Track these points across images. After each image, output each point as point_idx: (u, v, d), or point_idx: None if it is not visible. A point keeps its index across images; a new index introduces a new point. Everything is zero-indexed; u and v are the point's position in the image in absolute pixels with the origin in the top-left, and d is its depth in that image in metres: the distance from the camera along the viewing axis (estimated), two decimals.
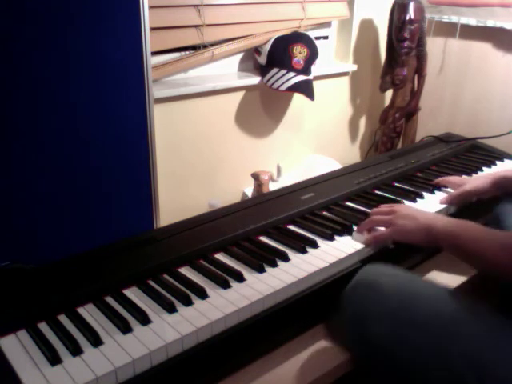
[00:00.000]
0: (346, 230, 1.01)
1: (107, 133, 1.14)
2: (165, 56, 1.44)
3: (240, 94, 1.60)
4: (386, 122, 1.85)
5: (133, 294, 0.82)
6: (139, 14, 1.09)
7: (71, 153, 1.10)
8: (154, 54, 1.36)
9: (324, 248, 0.96)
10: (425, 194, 1.20)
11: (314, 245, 0.96)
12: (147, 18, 1.11)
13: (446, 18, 1.84)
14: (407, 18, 1.65)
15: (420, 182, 1.28)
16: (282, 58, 1.54)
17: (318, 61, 1.67)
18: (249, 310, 0.79)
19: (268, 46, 1.54)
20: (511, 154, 1.52)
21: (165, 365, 0.70)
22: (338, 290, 0.88)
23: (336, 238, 0.99)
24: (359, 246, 0.96)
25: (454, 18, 1.81)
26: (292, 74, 1.53)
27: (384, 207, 1.02)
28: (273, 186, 1.54)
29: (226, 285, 0.83)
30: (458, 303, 0.76)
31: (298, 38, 1.59)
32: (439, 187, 1.23)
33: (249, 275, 0.86)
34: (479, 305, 0.76)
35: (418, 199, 1.18)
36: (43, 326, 0.74)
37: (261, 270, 0.87)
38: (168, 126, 1.44)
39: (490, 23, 1.71)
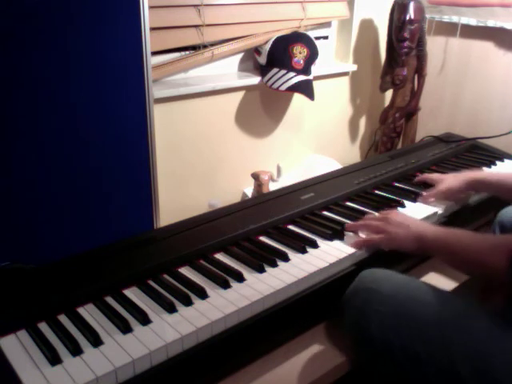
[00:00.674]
0: (345, 231, 1.01)
1: (107, 133, 1.14)
2: (165, 56, 1.44)
3: (240, 94, 1.60)
4: (386, 122, 1.85)
5: (133, 293, 0.82)
6: (139, 14, 1.09)
7: (71, 153, 1.10)
8: (154, 53, 1.36)
9: (324, 248, 0.96)
10: (425, 193, 1.20)
11: (314, 245, 0.96)
12: (147, 18, 1.11)
13: (446, 18, 1.84)
14: (407, 17, 1.65)
15: (420, 181, 1.28)
16: (282, 58, 1.54)
17: (318, 61, 1.67)
18: (249, 309, 0.79)
19: (268, 46, 1.54)
20: (511, 154, 1.52)
21: (165, 365, 0.70)
22: (338, 290, 0.88)
23: (336, 238, 0.99)
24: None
25: (455, 18, 1.81)
26: (292, 74, 1.53)
27: (377, 215, 1.03)
28: (273, 186, 1.54)
29: (225, 285, 0.83)
30: (456, 306, 0.76)
31: (297, 37, 1.59)
32: (423, 184, 1.24)
33: (249, 275, 0.86)
34: (478, 307, 0.76)
35: (418, 199, 1.18)
36: (43, 326, 0.74)
37: (261, 270, 0.87)
38: (168, 126, 1.44)
39: (491, 23, 1.71)
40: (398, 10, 1.67)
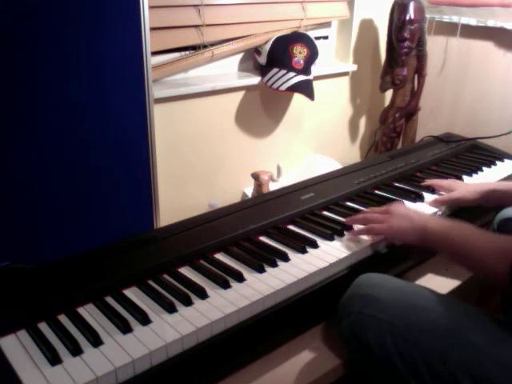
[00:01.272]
0: (346, 230, 1.01)
1: (107, 133, 1.14)
2: (165, 56, 1.44)
3: (240, 94, 1.60)
4: (386, 122, 1.85)
5: (133, 293, 0.82)
6: (139, 14, 1.09)
7: (71, 153, 1.10)
8: (154, 53, 1.35)
9: (324, 248, 0.96)
10: (425, 194, 1.20)
11: (314, 245, 0.96)
12: (147, 18, 1.11)
13: (446, 18, 1.84)
14: (407, 18, 1.65)
15: (420, 182, 1.28)
16: (282, 58, 1.54)
17: (318, 61, 1.67)
18: (249, 309, 0.79)
19: (268, 46, 1.54)
20: (511, 154, 1.52)
21: (165, 365, 0.70)
22: (338, 290, 0.88)
23: (336, 238, 0.99)
24: (359, 246, 0.96)
25: (455, 18, 1.81)
26: (292, 74, 1.53)
27: (379, 208, 1.01)
28: (273, 186, 1.53)
29: (225, 285, 0.83)
30: (454, 313, 0.76)
31: (298, 37, 1.58)
32: (433, 189, 1.23)
33: (249, 275, 0.86)
34: (475, 311, 0.76)
35: (417, 199, 1.18)
36: (43, 326, 0.74)
37: (261, 270, 0.87)
38: (168, 126, 1.44)
39: (491, 23, 1.71)
40: (398, 10, 1.67)
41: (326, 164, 1.74)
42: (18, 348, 0.69)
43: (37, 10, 0.97)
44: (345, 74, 1.92)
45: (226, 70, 1.63)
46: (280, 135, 1.77)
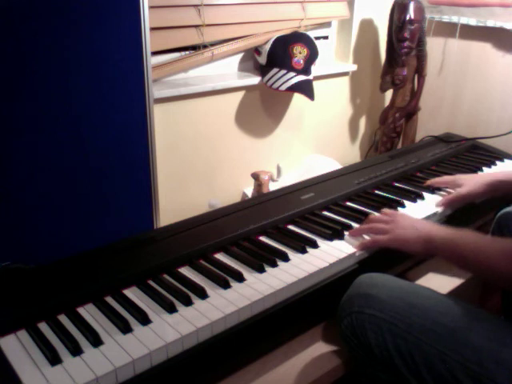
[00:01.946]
0: (346, 230, 1.01)
1: (107, 133, 1.14)
2: (165, 56, 1.44)
3: (240, 94, 1.60)
4: (386, 122, 1.85)
5: (133, 294, 0.82)
6: (139, 14, 1.09)
7: (71, 153, 1.10)
8: (154, 53, 1.36)
9: (324, 248, 0.96)
10: (425, 194, 1.20)
11: (314, 245, 0.96)
12: (147, 18, 1.11)
13: (446, 18, 1.84)
14: (407, 17, 1.65)
15: (420, 182, 1.28)
16: (282, 58, 1.54)
17: (317, 61, 1.67)
18: (249, 309, 0.79)
19: (268, 46, 1.54)
20: (511, 154, 1.52)
21: (165, 365, 0.70)
22: (338, 290, 0.88)
23: (336, 238, 0.99)
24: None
25: (454, 18, 1.81)
26: (292, 73, 1.53)
27: (384, 216, 1.00)
28: (273, 186, 1.53)
29: (225, 285, 0.83)
30: (453, 312, 0.75)
31: (298, 38, 1.58)
32: (434, 189, 1.22)
33: (249, 275, 0.86)
34: (475, 311, 0.76)
35: (417, 199, 1.18)
36: (43, 326, 0.74)
37: (261, 270, 0.87)
38: (168, 126, 1.44)
39: (490, 23, 1.71)
40: (398, 10, 1.67)
41: (325, 164, 1.74)
42: (18, 348, 0.69)
43: (37, 10, 0.97)
44: (345, 74, 1.92)
45: (226, 70, 1.63)
46: (280, 135, 1.77)
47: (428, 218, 1.10)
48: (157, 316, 0.76)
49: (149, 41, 1.13)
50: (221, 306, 0.78)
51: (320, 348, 0.88)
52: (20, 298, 0.78)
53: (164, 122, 1.42)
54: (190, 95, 1.46)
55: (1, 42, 0.94)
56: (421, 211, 1.12)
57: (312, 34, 1.69)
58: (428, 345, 0.72)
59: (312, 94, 1.58)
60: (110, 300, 0.80)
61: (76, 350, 0.68)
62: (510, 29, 1.67)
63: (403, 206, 1.14)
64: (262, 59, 1.57)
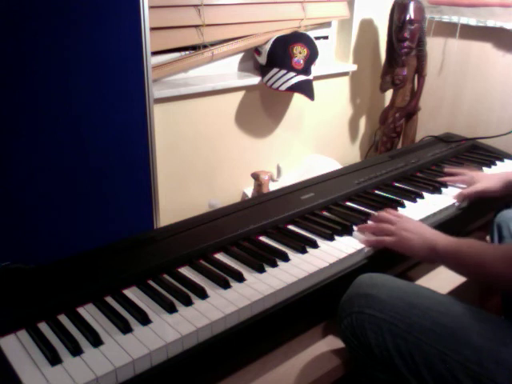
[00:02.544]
0: (345, 230, 1.01)
1: (107, 133, 1.14)
2: (165, 56, 1.44)
3: (240, 94, 1.60)
4: (386, 122, 1.85)
5: (133, 294, 0.82)
6: (139, 14, 1.09)
7: (71, 153, 1.10)
8: (154, 53, 1.36)
9: (324, 248, 0.96)
10: (425, 193, 1.20)
11: (314, 245, 0.96)
12: (147, 18, 1.11)
13: (446, 18, 1.84)
14: (407, 17, 1.65)
15: (420, 181, 1.28)
16: (282, 58, 1.54)
17: (317, 61, 1.67)
18: (249, 309, 0.79)
19: (268, 46, 1.54)
20: (511, 154, 1.52)
21: (165, 365, 0.70)
22: (338, 290, 0.88)
23: (336, 238, 0.99)
24: (359, 246, 0.96)
25: (454, 18, 1.81)
26: (292, 73, 1.53)
27: (391, 216, 1.01)
28: (273, 186, 1.53)
29: (226, 285, 0.83)
30: (453, 312, 0.75)
31: (298, 38, 1.58)
32: (446, 185, 1.24)
33: (249, 275, 0.86)
34: (475, 311, 0.76)
35: (418, 199, 1.18)
36: (43, 326, 0.74)
37: (261, 270, 0.87)
38: (168, 126, 1.44)
39: (490, 23, 1.71)
40: (398, 10, 1.67)
41: (325, 164, 1.74)
42: (18, 348, 0.69)
43: (37, 10, 0.97)
44: (345, 74, 1.92)
45: (226, 70, 1.63)
46: (280, 135, 1.77)
47: (427, 218, 1.10)
48: (157, 316, 0.76)
49: (149, 41, 1.13)
50: (221, 306, 0.78)
51: (320, 348, 0.88)
52: (20, 298, 0.78)
53: (164, 122, 1.42)
54: (189, 95, 1.46)
55: (1, 42, 0.94)
56: (421, 211, 1.12)
57: (312, 33, 1.69)
58: (428, 345, 0.72)
59: (312, 94, 1.58)
60: (109, 300, 0.80)
61: (76, 350, 0.68)
62: (510, 29, 1.67)
63: (403, 205, 1.15)
64: (262, 59, 1.57)
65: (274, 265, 0.89)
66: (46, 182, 1.08)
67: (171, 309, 0.77)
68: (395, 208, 1.12)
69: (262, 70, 1.59)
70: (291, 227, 1.05)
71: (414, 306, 0.77)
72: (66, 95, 1.06)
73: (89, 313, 0.77)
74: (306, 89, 1.56)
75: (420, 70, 1.79)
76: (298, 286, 0.85)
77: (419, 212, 1.11)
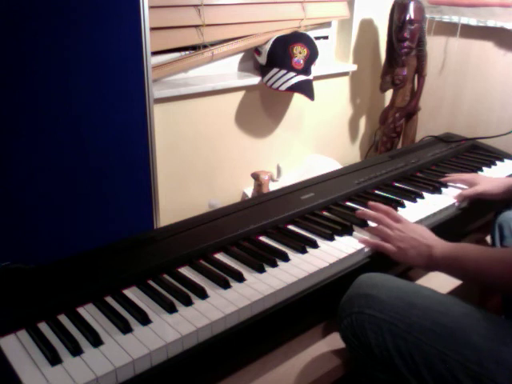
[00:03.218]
0: (345, 230, 1.01)
1: (107, 133, 1.14)
2: (165, 56, 1.44)
3: (240, 94, 1.60)
4: (386, 122, 1.85)
5: (133, 294, 0.82)
6: (139, 14, 1.09)
7: (71, 153, 1.10)
8: (154, 53, 1.36)
9: (324, 248, 0.96)
10: (425, 193, 1.20)
11: (314, 245, 0.96)
12: (147, 18, 1.11)
13: (446, 18, 1.84)
14: (407, 17, 1.65)
15: (420, 182, 1.28)
16: (282, 58, 1.54)
17: (318, 61, 1.67)
18: (249, 309, 0.79)
19: (268, 46, 1.54)
20: (511, 154, 1.52)
21: (165, 365, 0.70)
22: (339, 290, 0.88)
23: (336, 237, 0.99)
24: (359, 246, 0.96)
25: (455, 18, 1.81)
26: (292, 74, 1.53)
27: (389, 220, 0.99)
28: (273, 186, 1.54)
29: (225, 285, 0.83)
30: (453, 311, 0.75)
31: (298, 38, 1.59)
32: (446, 185, 1.25)
33: (249, 275, 0.86)
34: (475, 311, 0.76)
35: (418, 199, 1.18)
36: (43, 326, 0.74)
37: (261, 270, 0.87)
38: (168, 126, 1.44)
39: (491, 23, 1.71)
40: (398, 10, 1.67)
41: (325, 164, 1.74)
42: (18, 348, 0.69)
43: (37, 10, 0.97)
44: (345, 74, 1.92)
45: (226, 70, 1.63)
46: (280, 135, 1.77)
47: (427, 218, 1.10)
48: (157, 316, 0.76)
49: (149, 41, 1.13)
50: (221, 306, 0.78)
51: (320, 348, 0.88)
52: (20, 298, 0.78)
53: (164, 122, 1.42)
54: (189, 95, 1.46)
55: (1, 41, 0.95)
56: (420, 212, 1.11)
57: (312, 33, 1.69)
58: (428, 345, 0.72)
59: (312, 93, 1.58)
60: (109, 300, 0.80)
61: (76, 350, 0.68)
62: (511, 29, 1.67)
63: (403, 205, 1.14)
64: (262, 59, 1.57)
65: (274, 265, 0.89)
66: (46, 182, 1.08)
67: (171, 309, 0.77)
68: (395, 208, 1.12)
69: (262, 70, 1.59)
70: (291, 227, 1.05)
71: (414, 305, 0.77)
72: (66, 95, 1.06)
73: (89, 313, 0.77)
74: (306, 89, 1.56)
75: (420, 70, 1.79)
76: (298, 286, 0.85)
77: (419, 212, 1.11)
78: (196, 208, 1.26)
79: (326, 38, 1.91)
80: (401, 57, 1.73)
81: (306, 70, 1.57)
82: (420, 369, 0.72)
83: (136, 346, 0.69)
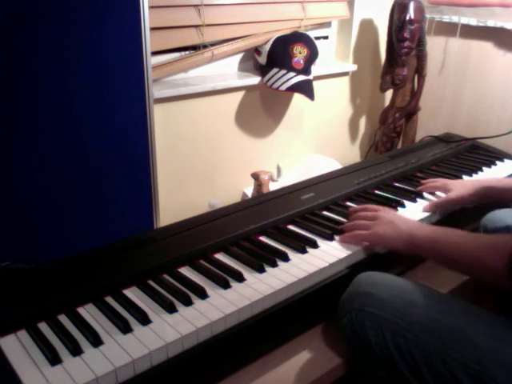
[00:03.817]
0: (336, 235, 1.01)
1: (107, 133, 1.14)
2: (165, 56, 1.44)
3: (240, 94, 1.60)
4: (386, 122, 1.85)
5: (133, 294, 0.82)
6: (139, 14, 1.09)
7: (71, 153, 1.10)
8: (154, 53, 1.36)
9: (324, 248, 0.96)
10: (425, 193, 1.20)
11: (314, 245, 0.96)
12: (147, 18, 1.11)
13: (446, 18, 1.84)
14: (407, 17, 1.65)
15: (420, 181, 1.28)
16: (282, 58, 1.54)
17: (318, 61, 1.67)
18: (249, 309, 0.79)
19: (268, 46, 1.54)
20: (511, 154, 1.52)
21: (165, 365, 0.70)
22: (338, 290, 0.88)
23: (336, 237, 0.99)
24: (359, 245, 0.96)
25: (455, 18, 1.81)
26: (292, 74, 1.53)
27: (368, 212, 1.00)
28: (273, 186, 1.53)
29: (225, 285, 0.83)
30: (453, 310, 0.76)
31: (298, 38, 1.58)
32: (422, 195, 1.20)
33: (249, 275, 0.86)
34: (475, 310, 0.76)
35: (418, 199, 1.18)
36: (43, 326, 0.74)
37: (261, 270, 0.87)
38: (168, 126, 1.44)
39: (491, 23, 1.71)
40: (398, 10, 1.67)
41: (325, 164, 1.74)
42: (18, 348, 0.69)
43: (37, 10, 0.97)
44: (345, 74, 1.92)
45: (226, 70, 1.63)
46: (280, 135, 1.77)
47: (428, 217, 1.10)
48: (157, 316, 0.76)
49: (149, 41, 1.13)
50: (221, 306, 0.78)
51: (320, 348, 0.88)
52: (20, 298, 0.78)
53: (164, 122, 1.42)
54: (189, 95, 1.46)
55: (1, 42, 0.94)
56: (421, 211, 1.11)
57: (312, 33, 1.69)
58: (428, 343, 0.72)
59: (312, 93, 1.58)
60: (110, 300, 0.80)
61: (76, 350, 0.68)
62: (511, 29, 1.67)
63: (403, 205, 1.15)
64: (262, 59, 1.57)
65: (274, 265, 0.89)
66: (46, 182, 1.08)
67: (171, 309, 0.77)
68: (395, 208, 1.12)
69: (262, 70, 1.59)
70: (291, 227, 1.05)
71: (414, 304, 0.77)
72: (66, 95, 1.06)
73: (89, 313, 0.77)
74: (305, 89, 1.56)
75: (420, 70, 1.79)
76: (298, 286, 0.85)
77: (419, 212, 1.11)
78: (196, 208, 1.26)
79: (326, 37, 1.91)
80: (401, 57, 1.73)
81: (306, 70, 1.57)
82: (420, 367, 0.72)
83: (136, 346, 0.69)
